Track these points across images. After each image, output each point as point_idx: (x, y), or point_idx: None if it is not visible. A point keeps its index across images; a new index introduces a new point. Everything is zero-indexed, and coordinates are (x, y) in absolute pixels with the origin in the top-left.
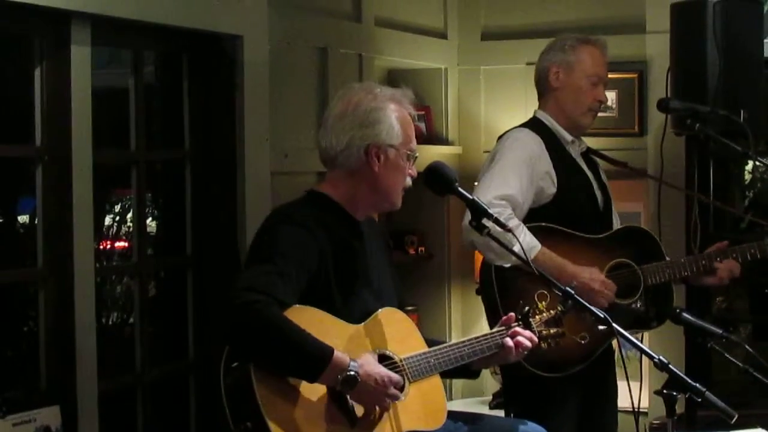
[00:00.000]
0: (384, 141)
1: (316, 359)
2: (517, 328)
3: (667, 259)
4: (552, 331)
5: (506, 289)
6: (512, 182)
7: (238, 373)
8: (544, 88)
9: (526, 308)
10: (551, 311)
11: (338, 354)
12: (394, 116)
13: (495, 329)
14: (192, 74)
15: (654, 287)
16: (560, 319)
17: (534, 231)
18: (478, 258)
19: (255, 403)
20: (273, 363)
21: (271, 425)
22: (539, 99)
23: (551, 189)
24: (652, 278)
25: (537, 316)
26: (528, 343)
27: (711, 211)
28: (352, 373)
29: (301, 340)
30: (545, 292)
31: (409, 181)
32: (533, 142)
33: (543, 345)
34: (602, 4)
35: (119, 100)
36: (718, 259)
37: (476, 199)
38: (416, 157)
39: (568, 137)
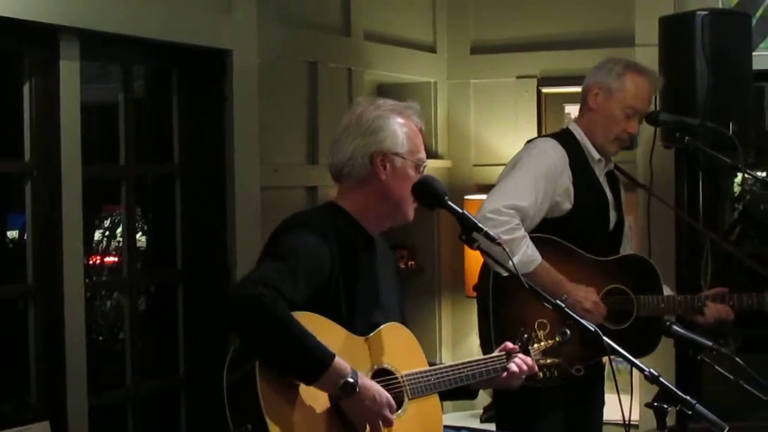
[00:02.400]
0: (388, 149)
1: (316, 360)
2: (520, 355)
3: (665, 293)
4: (549, 360)
5: (500, 294)
6: (527, 194)
7: (243, 373)
8: (583, 104)
9: (526, 335)
10: (549, 341)
11: (340, 360)
12: (398, 126)
13: (495, 354)
14: (182, 88)
15: (645, 319)
16: (558, 350)
17: (540, 242)
18: (469, 272)
19: (257, 405)
20: (273, 357)
21: (272, 429)
22: (578, 112)
23: (567, 205)
24: (645, 310)
25: (536, 345)
26: (527, 369)
27: (700, 223)
28: (352, 380)
29: (304, 339)
30: (545, 321)
31: None
32: (557, 156)
33: (540, 374)
34: (592, 17)
35: (109, 114)
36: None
37: (466, 213)
38: (425, 167)
39: (596, 155)
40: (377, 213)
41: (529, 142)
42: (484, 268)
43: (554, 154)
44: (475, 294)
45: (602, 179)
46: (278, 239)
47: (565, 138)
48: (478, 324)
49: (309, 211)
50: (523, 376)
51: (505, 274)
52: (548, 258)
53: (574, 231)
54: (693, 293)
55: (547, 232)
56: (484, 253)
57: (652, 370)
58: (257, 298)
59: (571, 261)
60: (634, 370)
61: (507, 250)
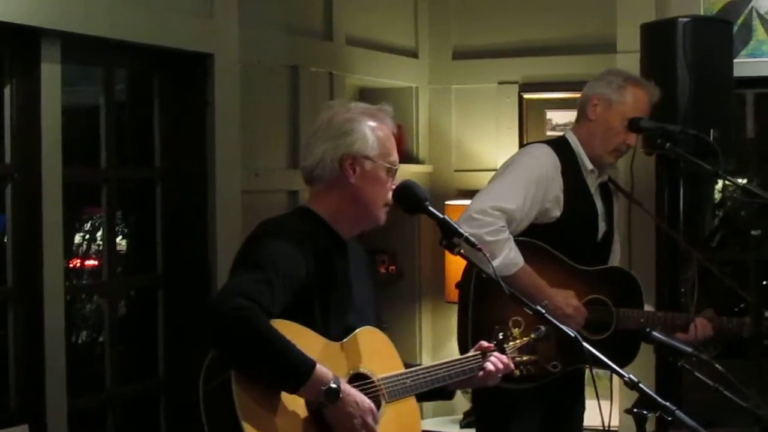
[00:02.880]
0: (358, 151)
1: (298, 370)
2: (496, 353)
3: (645, 309)
4: (525, 358)
5: (481, 292)
6: (516, 197)
7: (219, 383)
8: (581, 114)
9: (501, 334)
10: (525, 338)
11: (321, 367)
12: (369, 129)
13: (471, 353)
14: (163, 92)
15: (624, 332)
16: (533, 347)
17: (525, 246)
18: (450, 277)
19: (234, 413)
20: (256, 370)
21: None
22: (575, 121)
23: (556, 212)
24: (624, 323)
25: (511, 343)
26: (502, 367)
27: (681, 230)
28: (335, 386)
29: (285, 350)
30: (519, 319)
31: (390, 197)
32: (550, 164)
33: (516, 372)
34: (573, 23)
35: (90, 118)
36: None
37: (447, 218)
38: (396, 170)
39: (589, 166)
40: (348, 216)
41: (523, 146)
42: (467, 265)
43: (547, 161)
44: (456, 298)
45: (594, 190)
46: (253, 247)
47: (560, 146)
48: (458, 319)
49: (282, 217)
50: (500, 375)
51: (484, 275)
52: (532, 262)
53: (562, 238)
54: (673, 305)
55: (535, 237)
56: (465, 257)
57: (631, 376)
58: (236, 312)
59: (554, 267)
60: (614, 376)
61: (487, 255)
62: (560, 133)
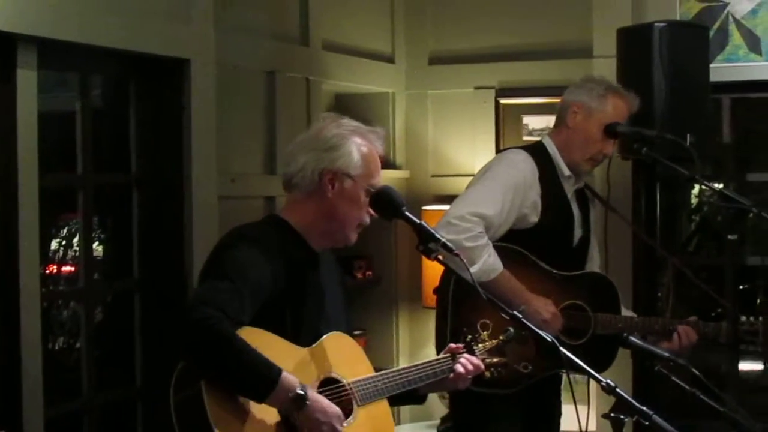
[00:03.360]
0: (340, 168)
1: (265, 379)
2: (466, 355)
3: (623, 314)
4: (495, 360)
5: (459, 297)
6: (493, 203)
7: (190, 392)
8: (560, 120)
9: (469, 337)
10: (493, 341)
11: (287, 375)
12: (356, 147)
13: (441, 356)
14: (139, 98)
15: (602, 337)
16: (502, 349)
17: (504, 251)
18: (427, 283)
19: (206, 421)
20: (222, 379)
21: None
22: (553, 127)
23: (533, 218)
24: (602, 328)
25: (480, 344)
26: (472, 369)
27: (657, 234)
28: (301, 392)
29: (251, 359)
30: (487, 322)
31: (366, 219)
32: (528, 169)
33: (486, 374)
34: (550, 29)
35: (66, 123)
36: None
37: (424, 223)
38: None
39: (566, 172)
40: (319, 230)
41: (500, 152)
42: (447, 271)
43: (525, 166)
44: (433, 303)
45: (571, 195)
46: (222, 255)
47: (537, 152)
48: (436, 325)
49: (252, 225)
50: (470, 377)
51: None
52: (510, 268)
53: (539, 244)
54: (649, 310)
55: (513, 242)
56: (443, 262)
57: (609, 381)
58: (203, 322)
59: (532, 273)
60: (591, 380)
61: (465, 261)
62: (537, 138)
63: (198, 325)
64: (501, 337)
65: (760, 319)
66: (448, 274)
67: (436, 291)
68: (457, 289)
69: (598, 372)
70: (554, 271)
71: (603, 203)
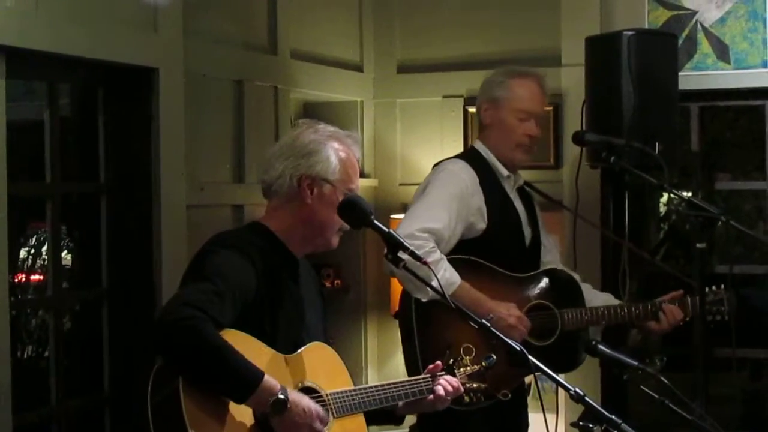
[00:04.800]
0: (318, 174)
1: (246, 380)
2: (446, 376)
3: (587, 305)
4: (475, 385)
5: (424, 320)
6: (440, 216)
7: (167, 393)
8: (480, 123)
9: (451, 360)
10: (476, 366)
11: (269, 378)
12: (333, 152)
13: (421, 376)
14: (107, 106)
15: (571, 332)
16: (483, 374)
17: (458, 263)
18: (395, 291)
19: (182, 422)
20: (203, 380)
21: None
22: (479, 131)
23: (481, 224)
24: (569, 323)
25: (462, 368)
26: (451, 390)
27: (625, 243)
28: (282, 397)
29: (233, 360)
30: (471, 347)
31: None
32: (467, 177)
33: (466, 398)
34: (518, 36)
35: (34, 132)
36: (638, 310)
37: (392, 232)
38: None
39: (504, 172)
40: (300, 236)
41: (436, 165)
42: (405, 294)
43: (465, 176)
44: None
45: (513, 195)
46: (203, 260)
47: (473, 158)
48: (403, 349)
49: (233, 231)
50: (449, 398)
51: (425, 299)
52: (468, 279)
53: (491, 250)
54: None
55: (465, 253)
56: (402, 281)
57: (577, 389)
58: (185, 321)
59: (491, 280)
60: (560, 389)
61: (433, 269)
62: None
63: (179, 325)
64: (483, 363)
65: (722, 286)
66: (407, 297)
67: (396, 316)
68: (419, 310)
69: (570, 370)
70: (513, 274)
71: (544, 197)
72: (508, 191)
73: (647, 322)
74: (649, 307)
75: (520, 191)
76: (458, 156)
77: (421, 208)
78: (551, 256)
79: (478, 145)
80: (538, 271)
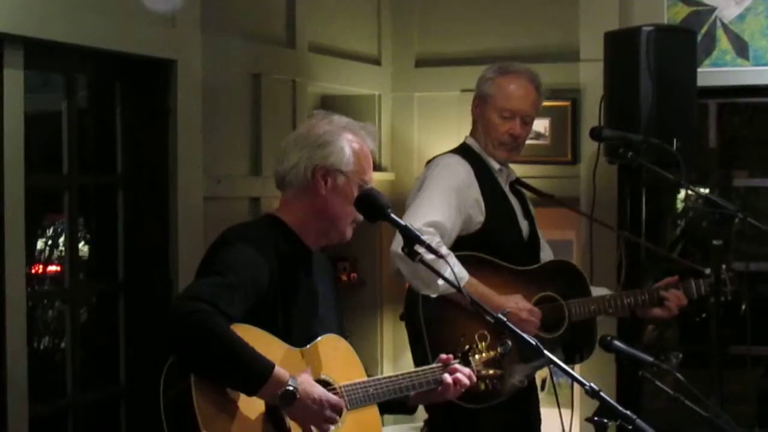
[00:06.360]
0: (332, 165)
1: (256, 372)
2: (457, 365)
3: (597, 290)
4: (491, 372)
5: (432, 318)
6: (441, 209)
7: (179, 388)
8: (472, 117)
9: (467, 347)
10: (491, 352)
11: (279, 369)
12: (347, 143)
13: (434, 365)
14: (125, 99)
15: (578, 323)
16: (499, 361)
17: (462, 260)
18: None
19: (193, 417)
20: (213, 373)
21: None
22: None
23: (479, 217)
24: (577, 314)
25: (477, 356)
26: (466, 381)
27: (642, 239)
28: (291, 388)
29: (242, 353)
30: (485, 333)
31: (360, 215)
32: (463, 170)
33: (481, 386)
34: (537, 32)
35: (52, 124)
36: (644, 296)
37: (409, 225)
38: None
39: (496, 165)
40: (314, 228)
41: (429, 161)
42: (410, 294)
43: (460, 168)
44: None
45: (507, 189)
46: (216, 253)
47: (465, 152)
48: (411, 350)
49: (247, 224)
50: (462, 389)
51: (434, 295)
52: (474, 274)
53: (491, 244)
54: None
55: (465, 250)
56: (409, 279)
57: (592, 385)
58: (194, 315)
59: (497, 275)
60: (575, 384)
61: (448, 263)
62: None
63: (189, 318)
64: (498, 350)
65: (723, 266)
66: (414, 298)
67: (403, 317)
68: (427, 309)
69: (582, 360)
70: (516, 267)
71: (535, 192)
72: (502, 184)
73: (653, 310)
74: (654, 293)
75: (512, 187)
76: (451, 151)
77: (422, 204)
78: (544, 254)
79: (469, 141)
80: (543, 263)
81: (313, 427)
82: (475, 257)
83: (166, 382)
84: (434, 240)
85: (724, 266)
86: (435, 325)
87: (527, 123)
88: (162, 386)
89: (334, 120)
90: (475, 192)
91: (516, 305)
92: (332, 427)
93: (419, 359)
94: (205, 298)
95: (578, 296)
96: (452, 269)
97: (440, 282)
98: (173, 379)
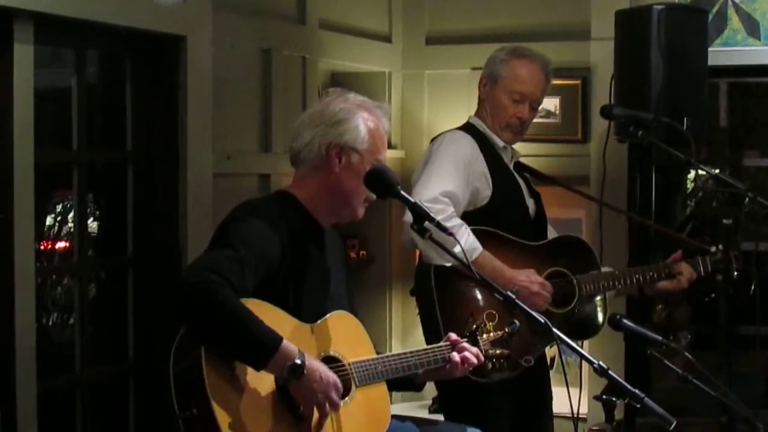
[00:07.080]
0: (347, 143)
1: (265, 345)
2: (465, 344)
3: (602, 269)
4: (498, 351)
5: (445, 292)
6: (453, 180)
7: (189, 361)
8: (479, 97)
9: (474, 325)
10: (499, 332)
11: (287, 343)
12: (362, 122)
13: (442, 343)
14: (135, 75)
15: (587, 298)
16: (507, 341)
17: (474, 234)
18: None
19: (203, 389)
20: (221, 344)
21: (217, 412)
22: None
23: (486, 191)
24: (587, 288)
25: (485, 335)
26: (474, 360)
27: (652, 218)
28: (299, 362)
29: (251, 325)
30: (494, 312)
31: (372, 194)
32: (468, 143)
33: (489, 365)
34: (547, 10)
35: (61, 99)
36: (653, 271)
37: (418, 202)
38: None
39: (500, 143)
40: (327, 205)
41: (434, 139)
42: (420, 270)
43: (466, 141)
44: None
45: (511, 167)
46: (227, 226)
47: (470, 130)
48: (423, 327)
49: (259, 199)
50: (469, 367)
51: (449, 264)
52: (485, 248)
53: (498, 220)
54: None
55: (472, 224)
56: (424, 249)
57: (601, 363)
58: (203, 285)
59: (507, 249)
60: (584, 363)
61: (456, 239)
62: None
63: (198, 289)
64: (506, 329)
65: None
66: (425, 273)
67: (413, 292)
68: (439, 285)
69: (591, 336)
70: (527, 242)
71: (536, 176)
72: (506, 161)
73: (662, 284)
74: (663, 269)
75: (516, 165)
76: (455, 129)
77: (433, 175)
78: (550, 234)
79: (474, 120)
80: (552, 238)
81: (316, 406)
82: (487, 232)
83: (176, 355)
84: (448, 211)
85: (720, 246)
86: (447, 300)
87: (534, 108)
88: (172, 358)
89: (350, 98)
90: (481, 166)
91: (527, 278)
92: (340, 402)
93: (431, 334)
94: (216, 269)
95: (588, 271)
96: (461, 246)
97: (455, 251)
98: (183, 351)
